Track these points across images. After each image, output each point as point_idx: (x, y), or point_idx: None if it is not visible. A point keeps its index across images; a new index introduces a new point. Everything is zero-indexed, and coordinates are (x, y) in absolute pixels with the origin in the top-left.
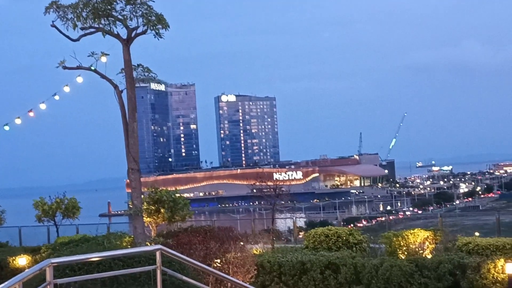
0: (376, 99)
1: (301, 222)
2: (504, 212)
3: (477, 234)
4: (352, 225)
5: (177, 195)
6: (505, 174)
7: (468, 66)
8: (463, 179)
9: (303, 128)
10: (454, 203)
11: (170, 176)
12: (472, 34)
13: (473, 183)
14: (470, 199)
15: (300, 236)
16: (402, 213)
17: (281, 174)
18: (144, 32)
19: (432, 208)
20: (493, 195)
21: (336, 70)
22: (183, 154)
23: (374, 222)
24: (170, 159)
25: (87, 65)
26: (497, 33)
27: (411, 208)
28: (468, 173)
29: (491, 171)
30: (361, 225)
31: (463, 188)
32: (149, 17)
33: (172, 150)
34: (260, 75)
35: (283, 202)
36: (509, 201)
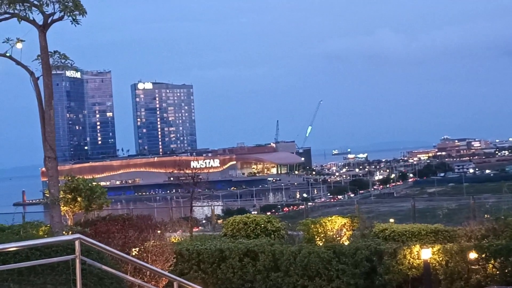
0: (292, 86)
1: (218, 210)
2: (418, 198)
3: (392, 220)
4: (269, 212)
5: (94, 183)
6: (419, 161)
7: (382, 55)
8: (378, 167)
9: (221, 116)
10: (370, 190)
11: (86, 165)
12: (386, 23)
13: (387, 170)
14: (400, 182)
15: (218, 223)
16: (318, 200)
17: (198, 162)
18: (60, 18)
19: (348, 195)
20: (408, 181)
21: (253, 57)
22: (99, 142)
23: (291, 209)
24: (86, 147)
25: (2, 52)
26: (410, 22)
27: (328, 195)
28: (383, 160)
29: (405, 158)
30: (279, 212)
31: (379, 175)
32: (66, 3)
33: (88, 138)
34: (177, 63)
35: (200, 190)
36: (422, 188)
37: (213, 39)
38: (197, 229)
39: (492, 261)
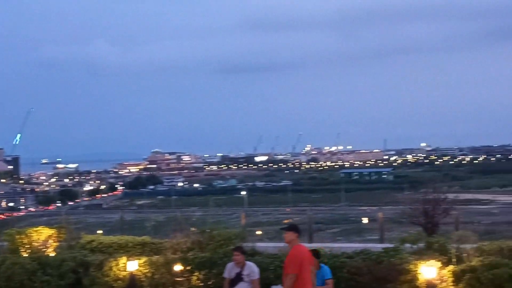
0: (2, 92)
1: None
2: (126, 210)
3: (100, 232)
4: None
5: None
6: (130, 173)
7: (99, 66)
8: (88, 177)
9: None
10: (79, 201)
11: None
12: (102, 33)
13: (98, 181)
14: (110, 194)
15: None
16: (26, 210)
17: None
18: None
19: (56, 205)
20: (118, 193)
21: None
22: None
23: None
24: None
25: None
26: (127, 35)
27: (34, 207)
28: (94, 171)
29: (116, 170)
30: None
31: (89, 186)
32: None
33: None
34: None
35: None
36: (132, 200)
37: None
38: None
39: (197, 273)
